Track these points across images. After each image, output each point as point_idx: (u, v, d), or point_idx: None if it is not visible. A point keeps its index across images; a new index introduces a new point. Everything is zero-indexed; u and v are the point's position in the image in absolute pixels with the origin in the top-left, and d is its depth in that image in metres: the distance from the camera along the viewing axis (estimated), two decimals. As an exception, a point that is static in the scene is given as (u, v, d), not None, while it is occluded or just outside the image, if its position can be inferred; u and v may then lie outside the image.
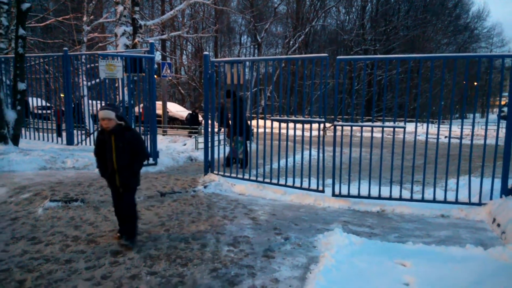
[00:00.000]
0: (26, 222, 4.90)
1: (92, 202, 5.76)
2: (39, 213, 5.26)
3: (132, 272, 3.57)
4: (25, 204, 5.61)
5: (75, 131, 10.36)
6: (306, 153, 10.28)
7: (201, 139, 10.20)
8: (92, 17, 18.22)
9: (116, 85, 9.23)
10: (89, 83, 11.43)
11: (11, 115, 8.93)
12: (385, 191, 6.19)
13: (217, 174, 7.51)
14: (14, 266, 3.64)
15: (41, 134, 11.21)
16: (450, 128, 6.07)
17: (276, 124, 6.92)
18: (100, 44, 19.88)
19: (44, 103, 13.06)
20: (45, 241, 4.28)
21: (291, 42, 31.56)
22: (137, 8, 11.29)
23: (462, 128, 5.95)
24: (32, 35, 21.22)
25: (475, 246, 4.10)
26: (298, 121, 6.96)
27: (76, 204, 5.65)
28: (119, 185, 4.18)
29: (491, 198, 5.68)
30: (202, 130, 9.14)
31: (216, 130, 7.76)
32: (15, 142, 9.00)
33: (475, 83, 5.84)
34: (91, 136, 10.10)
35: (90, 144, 9.97)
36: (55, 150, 9.20)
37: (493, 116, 34.03)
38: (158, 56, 26.17)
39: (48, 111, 14.02)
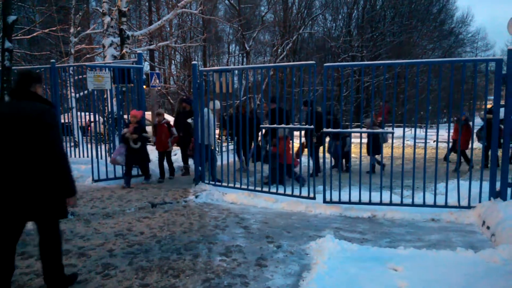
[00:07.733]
0: (15, 237, 4.83)
1: (82, 215, 5.71)
2: (29, 227, 5.18)
3: (124, 285, 3.54)
4: (13, 219, 5.52)
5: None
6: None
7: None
8: (79, 28, 18.14)
9: (105, 96, 9.18)
10: (77, 95, 11.35)
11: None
12: (375, 197, 6.22)
13: (208, 184, 7.50)
14: (4, 282, 3.58)
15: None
16: (437, 132, 6.13)
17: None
18: (87, 56, 19.76)
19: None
20: (35, 255, 4.22)
21: (279, 50, 31.67)
22: (124, 19, 11.26)
23: (449, 132, 6.03)
24: (19, 48, 21.00)
25: (466, 249, 4.14)
26: (287, 129, 6.99)
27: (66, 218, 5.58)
28: None
29: (480, 201, 5.73)
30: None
31: None
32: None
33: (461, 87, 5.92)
34: (80, 147, 10.01)
35: (79, 156, 9.88)
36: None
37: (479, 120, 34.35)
38: (146, 67, 26.08)
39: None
